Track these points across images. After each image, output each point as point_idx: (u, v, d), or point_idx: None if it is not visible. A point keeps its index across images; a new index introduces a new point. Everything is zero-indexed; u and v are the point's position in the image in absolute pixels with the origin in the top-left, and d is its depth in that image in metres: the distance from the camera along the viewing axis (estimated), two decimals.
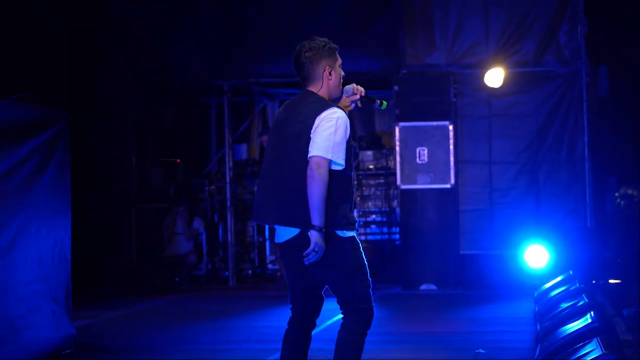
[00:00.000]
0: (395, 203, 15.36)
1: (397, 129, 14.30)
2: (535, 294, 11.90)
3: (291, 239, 6.14)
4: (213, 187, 16.37)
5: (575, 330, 7.90)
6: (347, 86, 6.40)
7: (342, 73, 6.34)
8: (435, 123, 13.88)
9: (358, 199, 15.67)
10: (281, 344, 6.44)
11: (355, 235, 6.19)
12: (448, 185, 13.98)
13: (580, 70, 14.24)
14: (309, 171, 5.98)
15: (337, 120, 6.04)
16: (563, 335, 7.99)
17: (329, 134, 6.00)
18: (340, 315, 6.34)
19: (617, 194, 19.48)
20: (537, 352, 8.17)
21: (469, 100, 14.44)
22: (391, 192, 15.50)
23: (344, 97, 6.43)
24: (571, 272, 11.85)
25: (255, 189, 6.36)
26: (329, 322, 10.72)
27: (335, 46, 6.31)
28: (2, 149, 8.37)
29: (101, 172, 15.98)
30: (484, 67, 14.31)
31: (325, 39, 6.29)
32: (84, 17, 14.96)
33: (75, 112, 9.71)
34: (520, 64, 14.35)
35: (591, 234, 13.99)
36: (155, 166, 16.91)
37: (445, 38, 14.54)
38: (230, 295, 14.39)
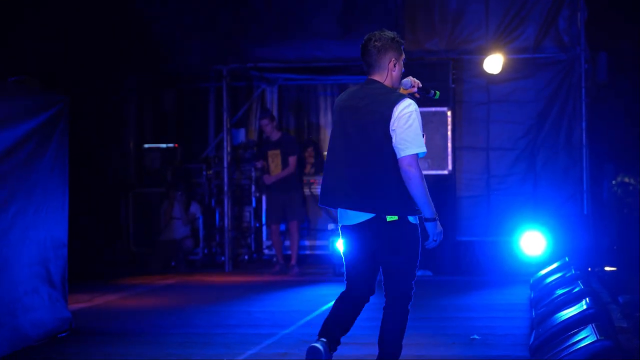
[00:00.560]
0: None
1: None
2: (531, 281, 11.90)
3: (362, 222, 6.46)
4: (210, 171, 16.35)
5: (570, 317, 7.91)
6: (405, 79, 6.76)
7: (403, 68, 6.67)
8: (433, 109, 13.83)
9: None
10: (330, 309, 6.67)
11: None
12: (445, 172, 13.96)
13: (580, 56, 14.21)
14: (403, 174, 6.33)
15: (413, 113, 6.38)
16: (558, 322, 8.00)
17: (410, 127, 6.35)
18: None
19: (614, 182, 19.46)
20: (532, 338, 8.18)
21: (467, 86, 14.41)
22: None
23: (401, 89, 6.73)
24: (567, 259, 11.86)
25: (323, 173, 6.61)
26: (323, 308, 10.74)
27: (402, 41, 6.70)
28: (1, 130, 8.36)
29: (99, 156, 15.98)
30: (483, 53, 14.28)
31: (394, 33, 6.69)
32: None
33: (73, 94, 9.69)
34: (520, 50, 14.31)
35: (588, 221, 13.97)
36: (153, 150, 16.90)
37: (445, 23, 14.50)
38: (225, 280, 14.39)
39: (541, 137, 14.24)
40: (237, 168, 16.22)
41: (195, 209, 15.98)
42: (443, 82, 14.01)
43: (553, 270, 11.49)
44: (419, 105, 6.52)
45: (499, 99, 14.33)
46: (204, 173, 16.37)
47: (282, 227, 15.21)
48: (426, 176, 6.52)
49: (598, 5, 15.20)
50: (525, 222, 13.85)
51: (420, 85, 6.85)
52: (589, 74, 14.34)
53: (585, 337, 6.89)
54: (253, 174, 16.14)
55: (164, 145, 16.81)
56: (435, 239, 6.46)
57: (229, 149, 15.62)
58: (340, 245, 6.97)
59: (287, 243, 15.11)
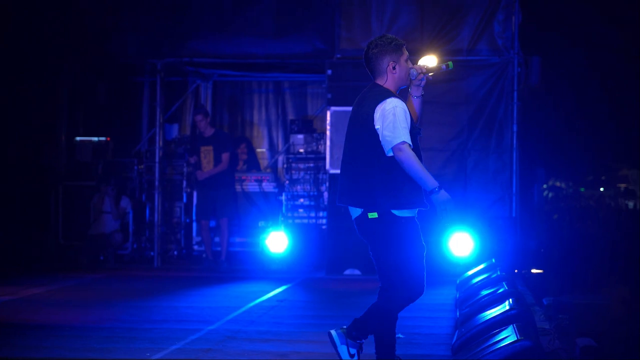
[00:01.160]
0: (323, 187, 15.37)
1: (328, 114, 14.32)
2: (458, 281, 11.97)
3: (356, 217, 6.85)
4: (142, 166, 16.26)
5: (493, 317, 7.97)
6: (411, 70, 6.93)
7: (411, 65, 6.92)
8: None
9: (287, 182, 15.66)
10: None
11: (414, 215, 6.88)
12: None
13: (513, 60, 14.32)
14: (399, 162, 6.67)
15: (393, 109, 6.65)
16: (481, 322, 8.05)
17: (390, 123, 6.63)
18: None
19: (545, 186, 19.68)
20: (455, 338, 8.23)
21: None
22: (320, 176, 15.48)
23: (412, 81, 6.99)
24: (494, 260, 11.94)
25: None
26: (250, 305, 10.73)
27: (403, 42, 6.91)
28: None
29: (29, 147, 15.79)
30: (418, 54, 14.27)
31: (393, 36, 6.91)
32: None
33: (3, 84, 9.57)
34: (454, 52, 14.34)
35: (516, 223, 14.08)
36: (85, 143, 16.73)
37: (381, 23, 14.52)
38: (154, 275, 14.32)
39: (472, 139, 14.31)
40: (169, 163, 16.14)
41: (125, 203, 15.88)
42: None
43: (479, 272, 11.55)
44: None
45: (431, 100, 14.33)
46: (136, 168, 16.26)
47: (213, 223, 15.18)
48: None
49: (533, 9, 15.33)
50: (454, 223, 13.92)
51: (425, 69, 7.02)
52: (521, 77, 14.43)
53: (506, 337, 6.95)
54: (185, 169, 16.08)
55: (95, 139, 16.65)
56: (443, 208, 6.75)
57: (161, 143, 15.57)
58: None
59: (217, 239, 15.07)
